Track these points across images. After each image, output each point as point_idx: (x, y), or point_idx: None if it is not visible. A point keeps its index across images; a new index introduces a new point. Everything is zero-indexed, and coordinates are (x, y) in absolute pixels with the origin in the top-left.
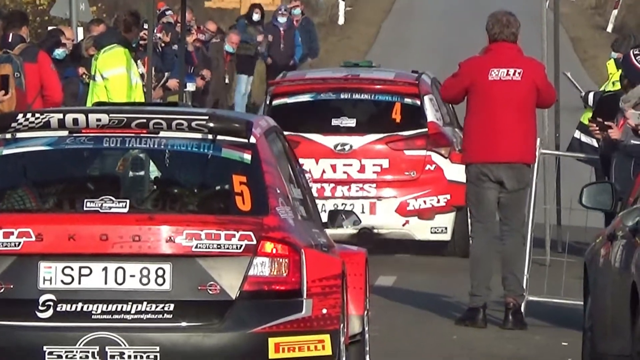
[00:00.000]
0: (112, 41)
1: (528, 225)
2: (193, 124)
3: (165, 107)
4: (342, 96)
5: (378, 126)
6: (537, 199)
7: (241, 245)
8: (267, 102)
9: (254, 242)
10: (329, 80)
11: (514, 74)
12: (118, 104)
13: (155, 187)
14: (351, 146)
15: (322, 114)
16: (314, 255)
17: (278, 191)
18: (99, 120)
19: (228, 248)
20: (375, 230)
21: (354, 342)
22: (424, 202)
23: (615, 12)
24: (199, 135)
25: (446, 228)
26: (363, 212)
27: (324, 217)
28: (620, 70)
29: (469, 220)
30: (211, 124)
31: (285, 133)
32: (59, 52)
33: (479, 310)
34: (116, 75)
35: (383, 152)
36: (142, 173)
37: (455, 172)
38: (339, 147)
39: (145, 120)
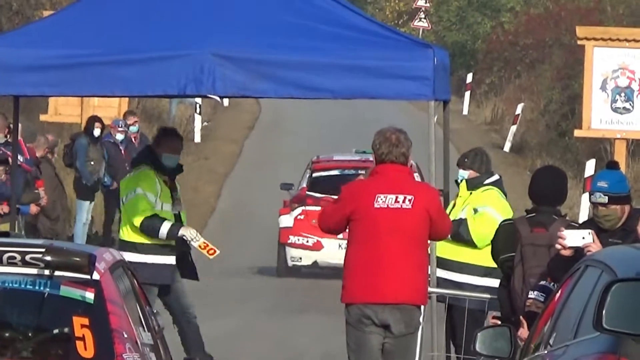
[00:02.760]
0: None
1: None
2: (27, 257)
3: None
4: (359, 172)
5: None
6: (423, 344)
7: None
8: (309, 175)
9: None
10: (350, 162)
11: (403, 201)
12: None
13: None
14: None
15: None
16: None
17: (125, 335)
18: None
19: None
20: None
21: None
22: None
23: (513, 128)
24: (34, 271)
25: None
26: None
27: None
28: (472, 194)
29: None
30: (48, 258)
31: (322, 195)
32: None
33: None
34: None
35: None
36: None
37: None
38: None
39: None
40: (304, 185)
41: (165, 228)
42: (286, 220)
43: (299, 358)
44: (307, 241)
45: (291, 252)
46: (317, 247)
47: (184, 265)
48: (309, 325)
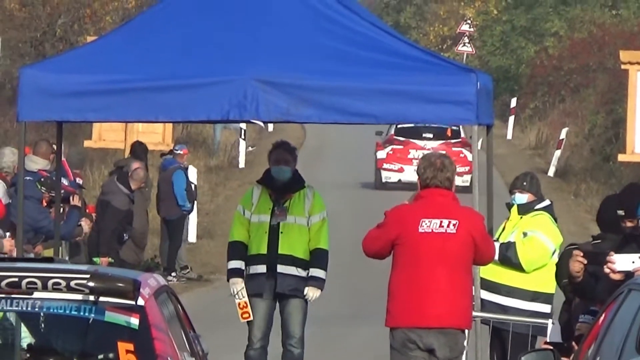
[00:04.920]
0: None
1: None
2: (72, 283)
3: (40, 264)
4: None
5: None
6: None
7: None
8: (395, 126)
9: None
10: None
11: (448, 226)
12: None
13: (29, 356)
14: None
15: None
16: None
17: None
18: None
19: None
20: None
21: None
22: None
23: (558, 152)
24: (79, 297)
25: None
26: None
27: None
28: (522, 218)
29: None
30: (92, 284)
31: (403, 139)
32: None
33: None
34: None
35: None
36: (14, 340)
37: None
38: None
39: (17, 279)
40: (392, 132)
41: (230, 265)
42: (381, 154)
43: None
44: (394, 167)
45: (384, 174)
46: (400, 170)
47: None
48: None
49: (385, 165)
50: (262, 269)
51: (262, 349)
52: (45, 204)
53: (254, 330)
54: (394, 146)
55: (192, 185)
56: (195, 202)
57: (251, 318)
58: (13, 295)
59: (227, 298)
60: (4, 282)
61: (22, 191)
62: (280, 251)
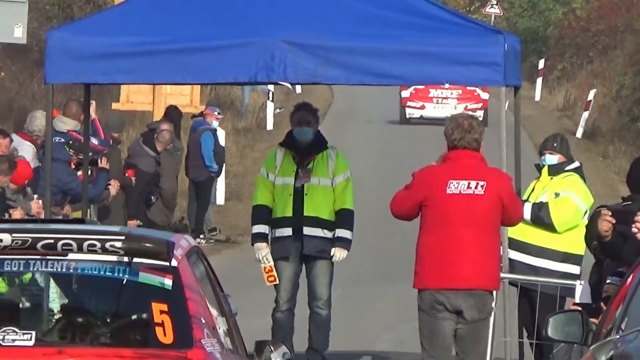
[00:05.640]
0: None
1: None
2: (107, 244)
3: (75, 226)
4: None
5: None
6: (496, 330)
7: None
8: None
9: None
10: None
11: (475, 187)
12: (22, 221)
13: (64, 316)
14: None
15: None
16: None
17: (203, 321)
18: (0, 241)
19: None
20: None
21: None
22: None
23: (585, 114)
24: (113, 258)
25: None
26: None
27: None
28: (553, 179)
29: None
30: (127, 245)
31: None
32: None
33: None
34: None
35: None
36: (49, 301)
37: None
38: None
39: (53, 241)
40: None
41: (254, 229)
42: (405, 93)
43: None
44: (417, 104)
45: (408, 110)
46: (422, 107)
47: None
48: None
49: (409, 103)
50: (287, 231)
51: (289, 311)
52: (73, 166)
53: (281, 292)
54: (417, 85)
55: (221, 147)
56: (224, 164)
57: (277, 282)
58: (48, 257)
59: (255, 261)
60: (39, 244)
61: (49, 153)
62: (305, 213)
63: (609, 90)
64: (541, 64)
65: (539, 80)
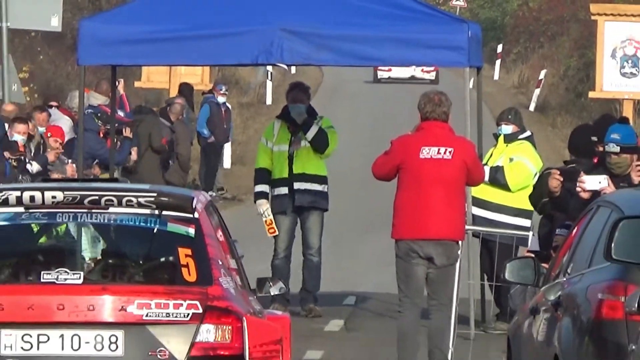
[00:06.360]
0: None
1: (453, 301)
2: (142, 200)
3: (114, 184)
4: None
5: None
6: (461, 274)
7: (188, 314)
8: None
9: (200, 310)
10: None
11: (444, 153)
12: (69, 180)
13: (105, 260)
14: None
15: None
16: (255, 322)
17: (219, 262)
18: (54, 197)
19: (176, 316)
20: None
21: None
22: None
23: (537, 91)
24: (146, 211)
25: None
26: None
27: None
28: (508, 146)
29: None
30: (158, 200)
31: None
32: None
33: None
34: None
35: None
36: (93, 246)
37: None
38: None
39: (97, 197)
40: None
41: (256, 188)
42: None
43: None
44: (385, 68)
45: (379, 73)
46: (389, 70)
47: None
48: None
49: (379, 67)
50: (284, 190)
51: (286, 259)
52: (102, 135)
53: (279, 242)
54: (394, 66)
55: (221, 118)
56: (230, 132)
57: (277, 233)
58: (93, 210)
59: (256, 216)
60: (86, 200)
61: (82, 124)
62: (294, 171)
63: (557, 71)
64: (499, 48)
65: (498, 62)
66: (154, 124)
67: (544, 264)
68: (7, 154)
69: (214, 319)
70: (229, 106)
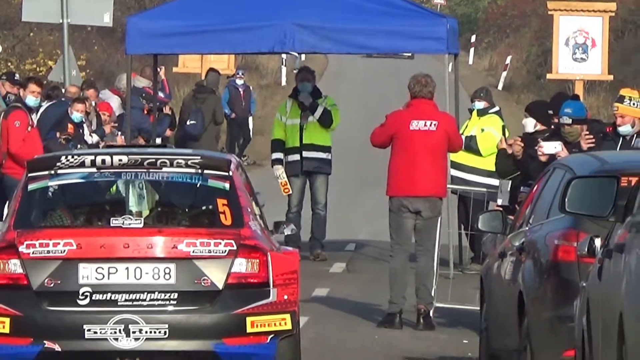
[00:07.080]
0: None
1: (436, 246)
2: (189, 162)
3: (165, 149)
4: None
5: None
6: (442, 224)
7: (225, 250)
8: None
9: (235, 247)
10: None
11: (430, 125)
12: (134, 146)
13: (160, 208)
14: None
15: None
16: (276, 256)
17: (249, 210)
18: (120, 160)
19: (216, 252)
20: None
21: (287, 337)
22: None
23: (504, 73)
24: (192, 170)
25: None
26: None
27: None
28: (480, 119)
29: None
30: (202, 162)
31: None
32: (32, 100)
33: (396, 315)
34: None
35: None
36: (151, 198)
37: None
38: None
39: (154, 160)
40: None
41: (273, 155)
42: None
43: None
44: None
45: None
46: None
47: None
48: None
49: None
50: (296, 157)
51: (297, 213)
52: (145, 112)
53: (292, 199)
54: (386, 53)
55: (239, 98)
56: (251, 110)
57: (290, 192)
58: (150, 170)
59: (274, 178)
60: (145, 162)
61: (129, 104)
62: (304, 142)
63: (520, 57)
64: (473, 38)
65: (472, 50)
66: (217, 102)
67: (510, 217)
68: (58, 134)
69: (245, 254)
70: (250, 86)
